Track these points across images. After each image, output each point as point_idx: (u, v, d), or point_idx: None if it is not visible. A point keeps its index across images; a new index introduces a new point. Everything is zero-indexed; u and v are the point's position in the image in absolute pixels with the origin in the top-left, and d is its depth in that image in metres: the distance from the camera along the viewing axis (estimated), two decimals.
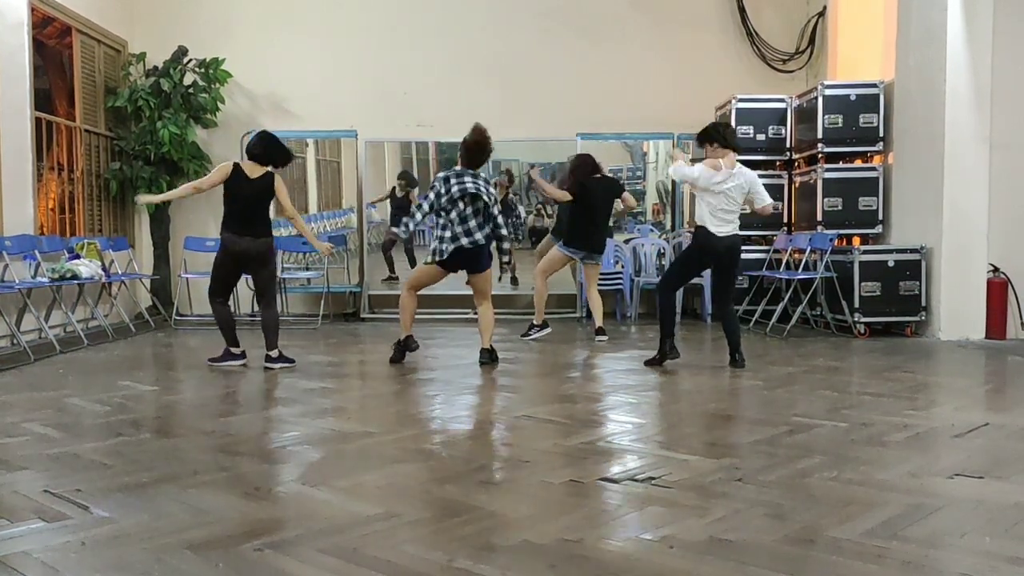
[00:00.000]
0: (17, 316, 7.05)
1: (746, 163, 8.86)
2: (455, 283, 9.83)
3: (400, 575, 2.31)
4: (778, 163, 9.08)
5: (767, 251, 8.86)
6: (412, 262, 9.32)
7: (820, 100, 8.23)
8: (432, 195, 5.94)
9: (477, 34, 9.98)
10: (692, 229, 9.52)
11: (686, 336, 8.06)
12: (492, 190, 6.05)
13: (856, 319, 7.65)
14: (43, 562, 2.42)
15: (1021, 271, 7.54)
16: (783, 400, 4.81)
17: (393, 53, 9.93)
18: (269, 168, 6.05)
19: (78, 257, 7.77)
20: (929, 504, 2.87)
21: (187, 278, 9.01)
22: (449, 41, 9.98)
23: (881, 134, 8.20)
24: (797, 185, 8.81)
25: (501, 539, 2.58)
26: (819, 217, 8.20)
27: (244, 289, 9.66)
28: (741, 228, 8.87)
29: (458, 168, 6.02)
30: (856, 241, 8.38)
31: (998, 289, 7.52)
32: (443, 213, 5.90)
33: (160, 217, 9.63)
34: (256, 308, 9.65)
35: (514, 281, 9.65)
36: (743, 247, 8.97)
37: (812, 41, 10.05)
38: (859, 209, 8.20)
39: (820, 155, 8.30)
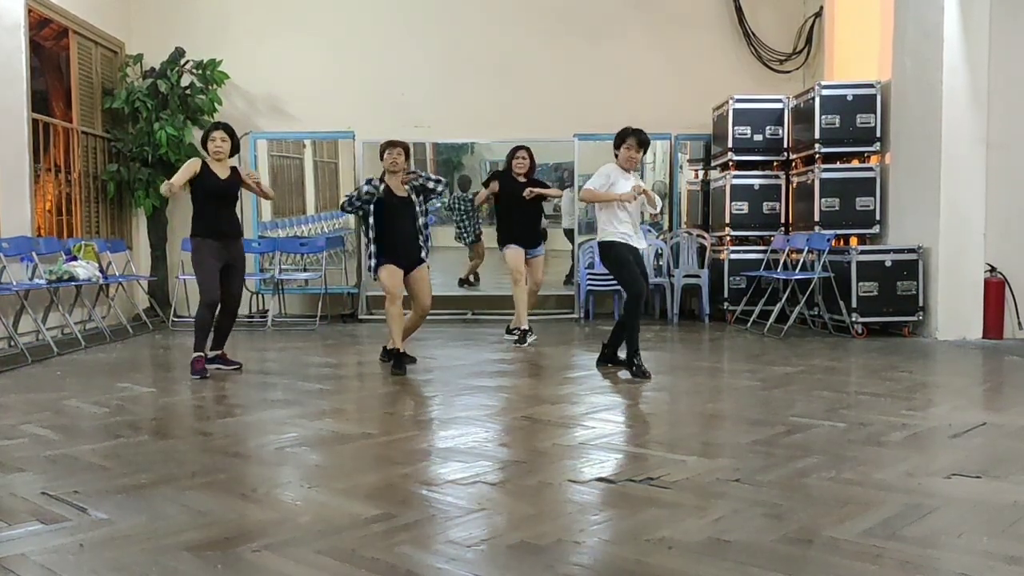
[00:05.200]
0: (14, 318, 7.04)
1: (743, 163, 8.98)
2: (453, 285, 9.93)
3: None
4: (775, 163, 9.09)
5: (764, 251, 8.86)
6: None
7: (817, 100, 8.24)
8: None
9: (474, 35, 9.99)
10: (689, 231, 9.62)
11: (683, 336, 8.07)
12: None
13: (853, 319, 7.65)
14: (41, 564, 2.41)
15: (1018, 271, 7.55)
16: (781, 400, 4.82)
17: (390, 54, 9.94)
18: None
19: (75, 259, 7.76)
20: (927, 504, 2.88)
21: (184, 280, 8.99)
22: (446, 42, 9.98)
23: (878, 134, 8.21)
24: (794, 185, 8.82)
25: (500, 540, 2.58)
26: (816, 217, 8.21)
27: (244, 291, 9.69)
28: (736, 228, 8.96)
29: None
30: (853, 241, 8.38)
31: (995, 289, 7.53)
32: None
33: (157, 219, 9.62)
34: (254, 309, 9.70)
35: None
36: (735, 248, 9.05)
37: (809, 41, 10.06)
38: (856, 209, 8.20)
39: (817, 155, 8.30)
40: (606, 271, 7.65)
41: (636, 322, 5.68)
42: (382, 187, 5.92)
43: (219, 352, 5.97)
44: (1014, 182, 7.49)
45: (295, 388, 5.37)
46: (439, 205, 9.95)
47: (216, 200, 5.80)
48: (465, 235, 9.80)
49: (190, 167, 5.76)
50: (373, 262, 5.97)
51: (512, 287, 7.29)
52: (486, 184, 7.49)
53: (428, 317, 6.29)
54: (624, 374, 5.62)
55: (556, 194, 7.65)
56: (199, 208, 5.82)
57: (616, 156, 5.79)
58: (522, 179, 7.23)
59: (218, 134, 5.88)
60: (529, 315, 7.49)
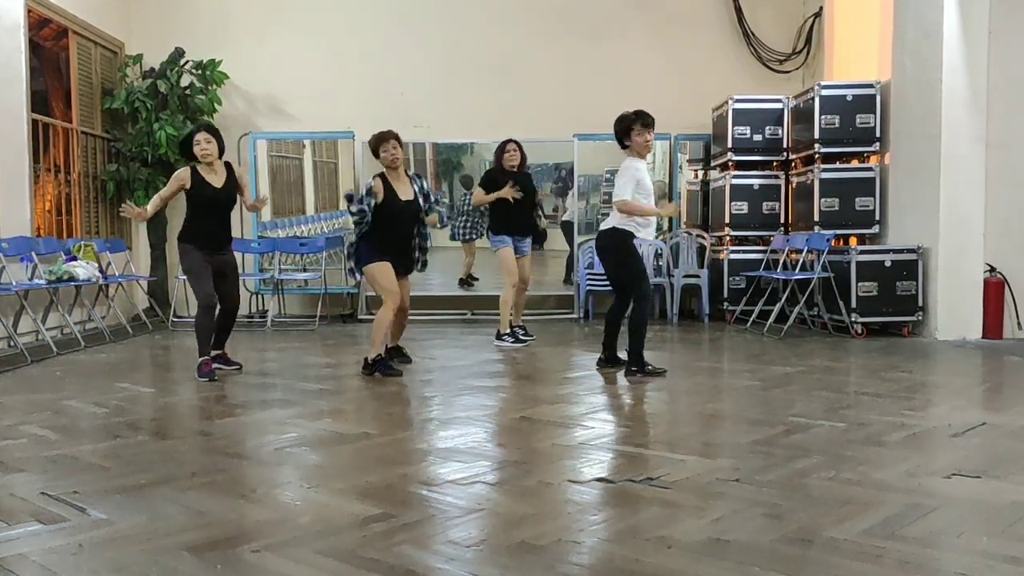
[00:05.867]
0: (14, 318, 7.04)
1: (743, 163, 8.98)
2: (452, 285, 9.93)
3: None
4: (775, 163, 9.09)
5: (764, 251, 8.86)
6: None
7: (817, 100, 8.24)
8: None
9: (474, 35, 9.99)
10: (688, 231, 9.62)
11: (683, 336, 8.08)
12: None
13: (853, 319, 7.65)
14: (40, 564, 2.41)
15: (1018, 271, 7.55)
16: (780, 400, 4.82)
17: (390, 54, 9.94)
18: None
19: (75, 259, 7.76)
20: (926, 504, 2.88)
21: (184, 280, 8.97)
22: (446, 42, 9.99)
23: (878, 134, 8.20)
24: (794, 185, 8.82)
25: (500, 540, 2.58)
26: (816, 217, 8.21)
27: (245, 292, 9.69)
28: (735, 228, 8.95)
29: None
30: (853, 241, 8.38)
31: (995, 289, 7.53)
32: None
33: (157, 219, 9.60)
34: (254, 309, 9.70)
35: None
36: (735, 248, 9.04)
37: (809, 41, 10.06)
38: (856, 209, 8.20)
39: (817, 155, 8.30)
40: (604, 272, 7.72)
41: (644, 326, 5.59)
42: (379, 198, 5.63)
43: (220, 352, 5.94)
44: (1014, 182, 7.49)
45: (295, 388, 5.37)
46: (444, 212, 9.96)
47: (212, 209, 5.64)
48: (463, 233, 9.79)
49: (177, 181, 5.59)
50: (357, 260, 5.71)
51: (504, 288, 7.23)
52: (483, 186, 7.27)
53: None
54: (623, 375, 5.62)
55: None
56: (193, 215, 5.66)
57: (625, 147, 5.57)
58: (514, 172, 7.18)
59: (202, 136, 5.56)
60: (527, 315, 7.48)
